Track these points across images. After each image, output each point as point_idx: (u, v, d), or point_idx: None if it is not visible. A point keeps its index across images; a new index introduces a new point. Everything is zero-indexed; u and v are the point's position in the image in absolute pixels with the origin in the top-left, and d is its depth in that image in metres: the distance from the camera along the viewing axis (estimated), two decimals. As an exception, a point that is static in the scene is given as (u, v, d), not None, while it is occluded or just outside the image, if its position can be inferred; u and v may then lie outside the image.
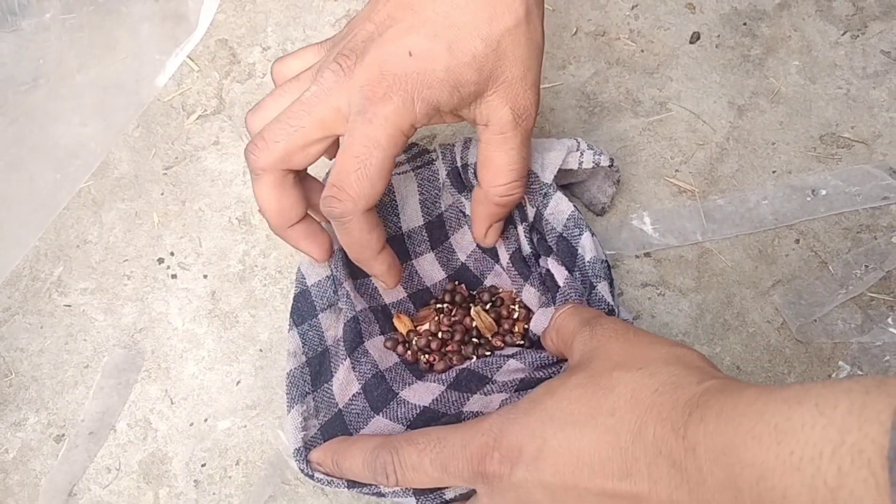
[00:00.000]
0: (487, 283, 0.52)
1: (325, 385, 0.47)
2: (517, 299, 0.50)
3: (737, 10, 0.61)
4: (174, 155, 0.60)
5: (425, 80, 0.40)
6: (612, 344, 0.38)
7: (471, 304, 0.51)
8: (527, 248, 0.49)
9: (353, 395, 0.46)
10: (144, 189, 0.59)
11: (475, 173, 0.49)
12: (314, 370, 0.47)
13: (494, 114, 0.42)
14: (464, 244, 0.53)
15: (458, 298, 0.51)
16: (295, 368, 0.47)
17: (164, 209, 0.58)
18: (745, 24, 0.61)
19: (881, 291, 0.52)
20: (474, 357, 0.48)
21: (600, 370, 0.36)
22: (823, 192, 0.55)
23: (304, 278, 0.50)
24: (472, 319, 0.50)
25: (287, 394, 0.47)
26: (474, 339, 0.49)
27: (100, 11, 0.64)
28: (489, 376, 0.46)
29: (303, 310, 0.49)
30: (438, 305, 0.51)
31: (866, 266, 0.53)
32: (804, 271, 0.53)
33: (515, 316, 0.50)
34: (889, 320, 0.51)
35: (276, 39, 0.63)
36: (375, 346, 0.48)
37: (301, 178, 0.45)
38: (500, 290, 0.51)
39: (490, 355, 0.48)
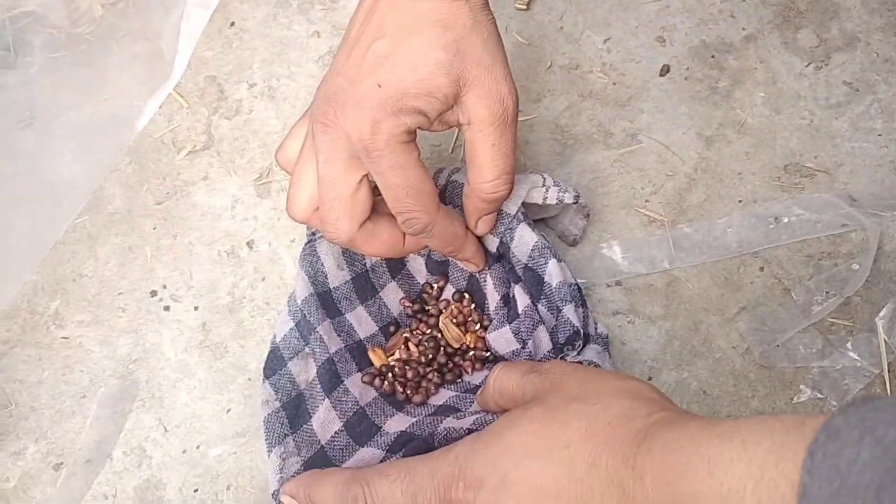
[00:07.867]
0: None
1: (305, 426, 0.49)
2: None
3: (705, 42, 0.64)
4: (165, 190, 0.62)
5: (401, 97, 0.43)
6: (566, 380, 0.40)
7: (439, 317, 0.54)
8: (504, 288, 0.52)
9: (336, 433, 0.49)
10: (137, 223, 0.61)
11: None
12: (291, 413, 0.50)
13: (473, 112, 0.45)
14: (418, 268, 0.55)
15: (427, 308, 0.54)
16: (270, 414, 0.49)
17: (156, 243, 0.60)
18: (713, 56, 0.63)
19: (841, 317, 0.54)
20: (445, 386, 0.51)
21: (556, 404, 0.39)
22: (786, 220, 0.57)
23: (275, 336, 0.53)
24: (440, 332, 0.53)
25: (266, 439, 0.49)
26: (443, 348, 0.52)
27: (91, 49, 0.66)
28: (462, 409, 0.49)
29: (273, 364, 0.52)
30: (406, 334, 0.53)
31: (827, 292, 0.55)
32: (768, 298, 0.55)
33: (477, 327, 0.53)
34: (848, 345, 0.53)
35: (262, 76, 0.65)
36: (354, 382, 0.50)
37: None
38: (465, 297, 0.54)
39: (461, 381, 0.51)
